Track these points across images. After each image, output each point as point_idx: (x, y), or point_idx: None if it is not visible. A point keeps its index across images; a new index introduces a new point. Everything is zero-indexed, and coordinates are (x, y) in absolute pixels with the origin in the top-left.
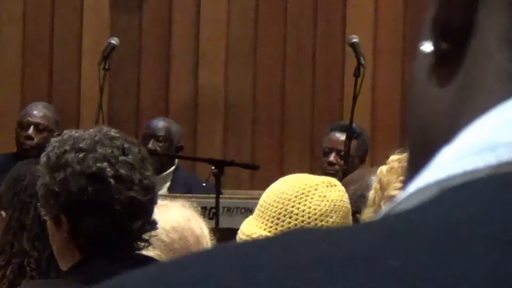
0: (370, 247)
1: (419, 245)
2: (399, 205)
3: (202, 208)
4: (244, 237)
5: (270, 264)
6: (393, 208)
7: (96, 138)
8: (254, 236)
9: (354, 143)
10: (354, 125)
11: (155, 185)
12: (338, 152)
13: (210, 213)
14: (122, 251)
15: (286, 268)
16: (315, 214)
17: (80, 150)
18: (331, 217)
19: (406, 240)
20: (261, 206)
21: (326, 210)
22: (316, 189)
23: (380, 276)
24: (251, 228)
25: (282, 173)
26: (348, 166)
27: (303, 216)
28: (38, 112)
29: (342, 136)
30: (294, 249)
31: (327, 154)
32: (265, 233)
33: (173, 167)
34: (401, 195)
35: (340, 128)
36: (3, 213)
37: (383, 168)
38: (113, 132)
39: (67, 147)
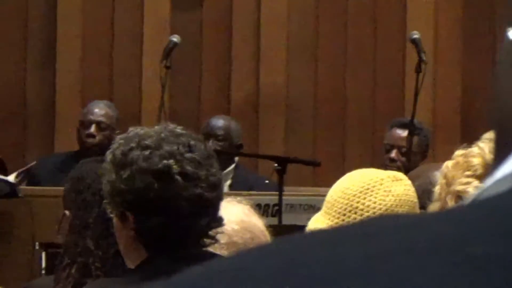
0: (454, 234)
1: (502, 232)
2: (485, 192)
3: (264, 205)
4: None
5: (356, 252)
6: (478, 195)
7: (162, 135)
8: None
9: (415, 139)
10: (415, 121)
11: (221, 182)
12: (399, 149)
13: (273, 211)
14: (188, 248)
15: (372, 256)
16: (380, 209)
17: (146, 147)
18: (397, 212)
19: (490, 227)
20: (328, 202)
21: (392, 204)
22: (381, 184)
23: (463, 263)
24: (318, 224)
25: (344, 170)
26: (410, 162)
27: (368, 211)
28: (99, 110)
29: (403, 133)
30: (378, 236)
31: (388, 150)
32: None
33: (233, 165)
34: (487, 182)
35: (401, 124)
36: (66, 212)
37: (448, 163)
38: (178, 129)
39: (132, 145)
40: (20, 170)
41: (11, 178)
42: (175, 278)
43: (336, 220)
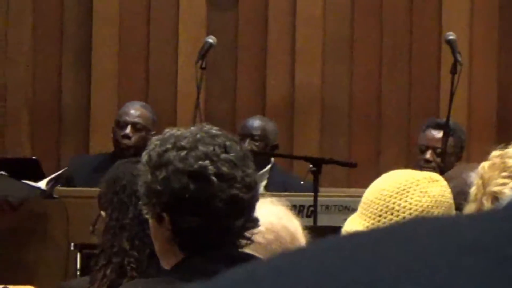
0: (490, 235)
1: None
2: None
3: (300, 206)
4: None
5: (396, 254)
6: None
7: (198, 136)
8: None
9: (450, 140)
10: (450, 122)
11: (257, 183)
12: (434, 150)
13: (308, 211)
14: (224, 249)
15: (412, 257)
16: (416, 210)
17: (182, 148)
18: (433, 213)
19: None
20: (364, 203)
21: (428, 205)
22: (417, 185)
23: (500, 264)
24: (355, 225)
25: (378, 171)
26: (445, 163)
27: (404, 212)
28: (135, 111)
29: (438, 134)
30: (418, 238)
31: (423, 151)
32: None
33: (269, 166)
34: None
35: (436, 125)
36: (102, 213)
37: (484, 164)
38: (214, 130)
39: (168, 146)
40: (50, 177)
41: (43, 184)
42: (215, 280)
43: (372, 221)
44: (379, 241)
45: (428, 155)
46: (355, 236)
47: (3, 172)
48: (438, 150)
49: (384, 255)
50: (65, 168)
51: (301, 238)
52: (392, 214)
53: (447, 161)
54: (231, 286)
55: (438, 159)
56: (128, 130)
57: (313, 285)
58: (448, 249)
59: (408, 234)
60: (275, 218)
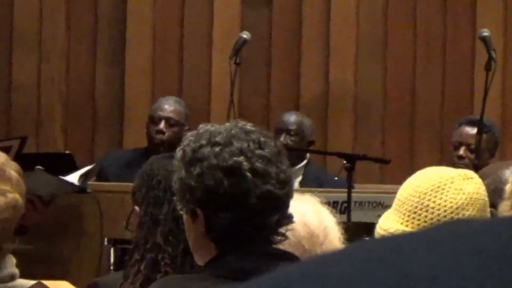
0: None
1: None
2: None
3: (334, 202)
4: (382, 232)
5: (426, 258)
6: None
7: (232, 132)
8: (392, 230)
9: (484, 137)
10: (484, 119)
11: (291, 179)
12: (468, 146)
13: (342, 208)
14: (258, 245)
15: (442, 261)
16: (451, 207)
17: (216, 144)
18: (467, 210)
19: None
20: (398, 200)
21: (463, 203)
22: (452, 182)
23: None
24: (389, 222)
25: (412, 167)
26: (479, 160)
27: (439, 209)
28: (169, 106)
29: (472, 130)
30: (448, 242)
31: (457, 148)
32: (402, 227)
33: (304, 162)
34: None
35: (470, 122)
36: (136, 208)
37: None
38: (249, 126)
39: (203, 141)
40: (82, 172)
41: (75, 179)
42: (258, 280)
43: (407, 218)
44: (411, 244)
45: (462, 151)
46: (387, 240)
47: (40, 167)
48: (472, 147)
49: (416, 259)
50: (95, 164)
51: (331, 235)
52: (427, 211)
53: (481, 158)
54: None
55: (472, 156)
56: (162, 125)
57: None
58: (480, 253)
59: (440, 237)
60: (300, 215)
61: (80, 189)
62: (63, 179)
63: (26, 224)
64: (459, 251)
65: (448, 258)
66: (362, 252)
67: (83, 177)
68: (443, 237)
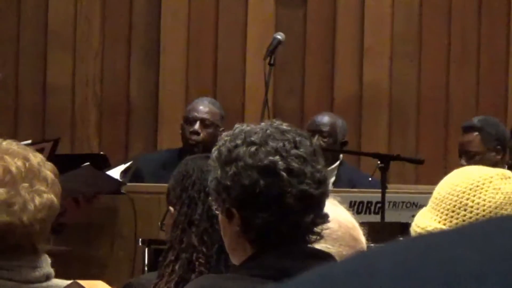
0: None
1: None
2: None
3: (367, 202)
4: (419, 230)
5: (473, 255)
6: None
7: (268, 131)
8: (429, 229)
9: (477, 139)
10: (475, 119)
11: (327, 178)
12: (466, 154)
13: (376, 208)
14: (293, 244)
15: (484, 259)
16: (489, 206)
17: (252, 143)
18: (506, 210)
19: None
20: (435, 198)
21: (501, 202)
22: (490, 182)
23: None
24: (426, 220)
25: (446, 168)
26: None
27: (477, 208)
28: (204, 107)
29: (466, 137)
30: (493, 239)
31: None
32: (439, 226)
33: (337, 162)
34: None
35: (464, 129)
36: (171, 208)
37: None
38: (284, 126)
39: (238, 141)
40: (122, 169)
41: (117, 175)
42: (292, 281)
43: (444, 217)
44: (453, 241)
45: (463, 161)
46: (429, 236)
47: (88, 163)
48: (470, 154)
49: (459, 256)
50: (132, 161)
51: (360, 235)
52: (465, 210)
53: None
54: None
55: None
56: (196, 126)
57: (391, 286)
58: None
59: (482, 234)
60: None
61: (123, 185)
62: (108, 175)
63: (67, 221)
64: (506, 248)
65: (495, 256)
66: (407, 250)
67: (124, 173)
68: (488, 234)
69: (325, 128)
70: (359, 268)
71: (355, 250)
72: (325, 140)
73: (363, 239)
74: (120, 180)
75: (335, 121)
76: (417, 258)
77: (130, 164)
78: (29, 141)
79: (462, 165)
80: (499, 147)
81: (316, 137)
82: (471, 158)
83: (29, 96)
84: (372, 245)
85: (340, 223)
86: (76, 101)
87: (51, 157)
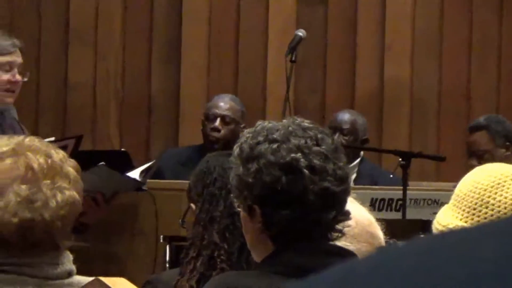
0: None
1: None
2: None
3: (388, 199)
4: (440, 227)
5: (490, 254)
6: None
7: (290, 128)
8: (451, 226)
9: (485, 137)
10: (481, 119)
11: (349, 175)
12: (476, 153)
13: (397, 205)
14: (315, 242)
15: (506, 258)
16: (511, 204)
17: (274, 140)
18: None
19: None
20: (457, 196)
21: None
22: None
23: None
24: (447, 218)
25: (468, 165)
26: None
27: (499, 206)
28: (224, 104)
29: (472, 137)
30: None
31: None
32: (461, 223)
33: (358, 160)
34: None
35: (470, 129)
36: (192, 205)
37: None
38: (306, 123)
39: (260, 138)
40: (143, 168)
41: (136, 175)
42: (315, 278)
43: (466, 214)
44: (475, 239)
45: (474, 161)
46: (450, 234)
47: (103, 163)
48: (480, 153)
49: (480, 254)
50: (154, 161)
51: (378, 231)
52: (487, 207)
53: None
54: (331, 285)
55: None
56: (217, 123)
57: (412, 283)
58: None
59: (504, 232)
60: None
61: (142, 185)
62: (126, 175)
63: (87, 221)
64: None
65: None
66: (429, 248)
67: (144, 173)
68: (509, 232)
69: (345, 126)
70: (381, 265)
71: (373, 246)
72: (346, 138)
73: (381, 234)
74: (139, 180)
75: (356, 119)
76: (439, 256)
77: (152, 163)
78: (52, 138)
79: (472, 166)
80: (508, 143)
81: (337, 135)
82: (481, 157)
83: (50, 93)
84: (392, 241)
85: (357, 220)
86: (97, 98)
87: (74, 154)
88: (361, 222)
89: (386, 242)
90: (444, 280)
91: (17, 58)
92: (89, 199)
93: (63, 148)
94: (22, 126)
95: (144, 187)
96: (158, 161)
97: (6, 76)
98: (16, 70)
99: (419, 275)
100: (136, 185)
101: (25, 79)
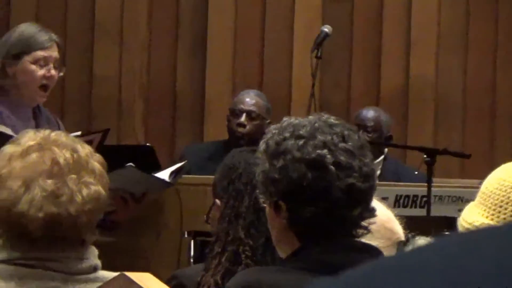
0: None
1: None
2: None
3: (413, 196)
4: (466, 225)
5: None
6: None
7: (316, 125)
8: (477, 224)
9: None
10: None
11: (375, 172)
12: None
13: (422, 202)
14: (340, 238)
15: None
16: None
17: (300, 137)
18: None
19: None
20: (483, 193)
21: None
22: None
23: None
24: (473, 215)
25: (492, 162)
26: None
27: None
28: (250, 99)
29: None
30: None
31: None
32: (487, 221)
33: (382, 156)
34: None
35: None
36: (217, 201)
37: None
38: (332, 119)
39: (286, 134)
40: (172, 169)
41: (166, 175)
42: (343, 276)
43: (492, 212)
44: (500, 237)
45: None
46: (476, 232)
47: (131, 164)
48: None
49: (506, 253)
50: (185, 161)
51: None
52: None
53: None
54: (360, 282)
55: None
56: (243, 118)
57: (444, 281)
58: None
59: None
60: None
61: (171, 186)
62: (155, 177)
63: (118, 219)
64: None
65: None
66: (456, 246)
67: (174, 173)
68: None
69: (369, 123)
70: (410, 263)
71: (391, 242)
72: (370, 135)
73: (399, 230)
74: (168, 180)
75: (380, 116)
76: (466, 255)
77: (182, 164)
78: (79, 133)
79: None
80: None
81: (361, 132)
82: None
83: (76, 87)
84: (410, 235)
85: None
86: (122, 92)
87: (100, 148)
88: (379, 218)
89: (405, 237)
90: (472, 278)
91: (53, 53)
92: (119, 198)
93: (89, 142)
94: (58, 121)
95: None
96: (184, 160)
97: (41, 72)
98: (51, 64)
99: (448, 274)
100: (165, 186)
101: (61, 74)
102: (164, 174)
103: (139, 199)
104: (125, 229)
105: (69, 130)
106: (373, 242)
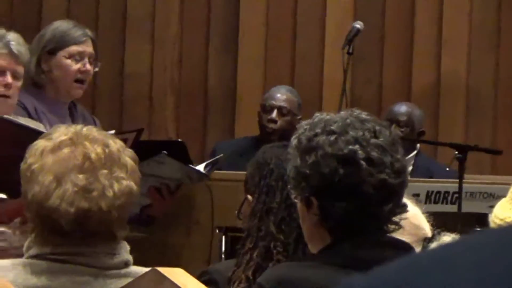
0: None
1: None
2: None
3: (444, 192)
4: (498, 221)
5: None
6: None
7: (347, 120)
8: (508, 220)
9: None
10: None
11: (406, 168)
12: None
13: (453, 198)
14: (372, 234)
15: None
16: None
17: (332, 132)
18: None
19: None
20: None
21: None
22: None
23: None
24: (505, 212)
25: None
26: None
27: None
28: (281, 95)
29: None
30: None
31: None
32: None
33: (414, 152)
34: None
35: None
36: (249, 197)
37: None
38: (364, 115)
39: (318, 130)
40: (207, 162)
41: (201, 167)
42: (377, 272)
43: None
44: None
45: None
46: (509, 229)
47: (165, 152)
48: None
49: None
50: (222, 155)
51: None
52: None
53: None
54: (395, 278)
55: None
56: (274, 114)
57: (475, 277)
58: None
59: None
60: None
61: (206, 177)
62: (190, 167)
63: (154, 214)
64: None
65: None
66: (489, 242)
67: (209, 166)
68: None
69: (402, 118)
70: (446, 257)
71: (418, 237)
72: (402, 130)
73: (425, 225)
74: (203, 172)
75: (412, 111)
76: (498, 251)
77: (218, 157)
78: (113, 131)
79: None
80: None
81: (393, 126)
82: None
83: (107, 82)
84: (436, 231)
85: None
86: (153, 87)
87: (134, 146)
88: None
89: (433, 233)
90: (504, 274)
91: (88, 48)
92: (154, 191)
93: (123, 141)
94: (95, 118)
95: (206, 180)
96: (218, 155)
97: (76, 66)
98: (86, 59)
99: (479, 271)
100: (201, 178)
101: (96, 69)
102: (199, 167)
103: (174, 191)
104: (156, 224)
105: (100, 125)
106: (399, 238)
